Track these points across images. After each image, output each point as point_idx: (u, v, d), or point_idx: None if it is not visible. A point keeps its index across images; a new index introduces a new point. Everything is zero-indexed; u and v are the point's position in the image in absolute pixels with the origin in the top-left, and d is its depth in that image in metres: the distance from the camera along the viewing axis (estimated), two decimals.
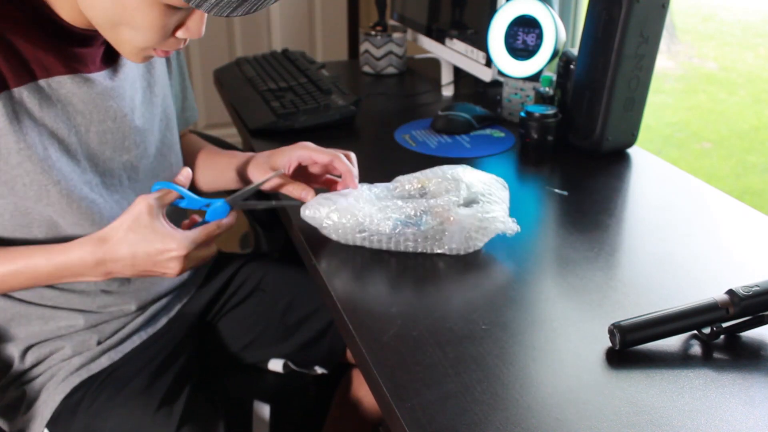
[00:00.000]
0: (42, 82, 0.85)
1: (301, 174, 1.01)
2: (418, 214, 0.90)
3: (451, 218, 0.89)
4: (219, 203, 0.89)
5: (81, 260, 0.86)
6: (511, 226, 0.91)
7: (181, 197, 0.88)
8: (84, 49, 0.88)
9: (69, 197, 0.88)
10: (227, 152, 1.13)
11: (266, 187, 0.98)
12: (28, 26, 0.83)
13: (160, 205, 0.85)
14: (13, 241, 0.89)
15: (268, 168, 1.00)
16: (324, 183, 1.02)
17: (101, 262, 0.85)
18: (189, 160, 1.14)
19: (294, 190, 0.96)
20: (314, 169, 1.01)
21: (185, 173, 0.91)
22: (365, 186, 0.96)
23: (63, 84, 0.87)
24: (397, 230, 0.90)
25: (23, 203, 0.87)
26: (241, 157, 1.08)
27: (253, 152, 1.07)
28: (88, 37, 0.88)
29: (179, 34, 0.83)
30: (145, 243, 0.84)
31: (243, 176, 1.06)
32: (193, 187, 1.14)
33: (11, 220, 0.88)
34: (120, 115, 0.94)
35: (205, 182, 1.14)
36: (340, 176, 0.97)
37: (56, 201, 0.88)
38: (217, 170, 1.12)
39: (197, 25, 0.82)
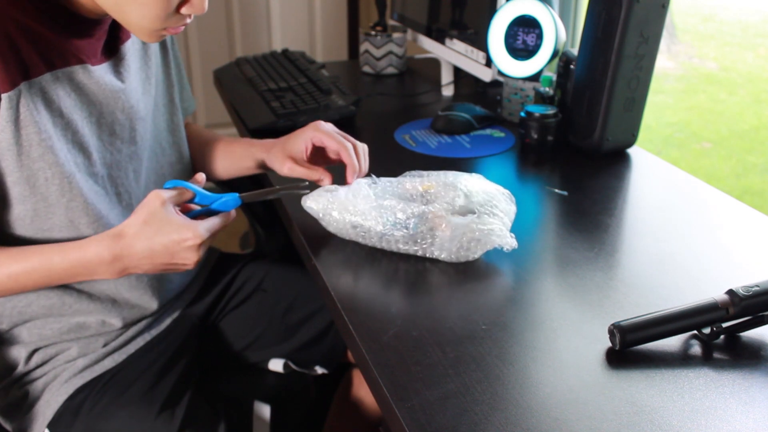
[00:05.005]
0: (60, 72, 0.85)
1: (318, 153, 1.01)
2: (408, 217, 0.90)
3: (443, 225, 0.89)
4: (232, 197, 0.89)
5: (97, 256, 0.84)
6: (509, 242, 0.88)
7: (194, 195, 0.88)
8: (84, 41, 0.88)
9: (82, 192, 0.88)
10: (243, 140, 1.13)
11: (284, 172, 0.99)
12: (43, 15, 0.83)
13: (174, 201, 0.85)
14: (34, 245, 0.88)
15: (286, 157, 1.00)
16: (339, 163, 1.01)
17: (118, 257, 0.84)
18: (203, 148, 1.14)
19: (311, 173, 0.97)
20: (329, 152, 1.01)
21: (200, 178, 0.91)
22: (364, 181, 0.96)
23: (77, 74, 0.87)
24: (387, 230, 0.90)
25: (44, 204, 0.87)
26: (258, 146, 1.07)
27: (268, 139, 1.07)
28: (92, 26, 0.88)
29: (183, 10, 0.84)
30: (162, 234, 0.83)
31: (262, 166, 1.07)
32: (211, 175, 1.15)
33: (32, 225, 0.88)
34: (128, 106, 0.95)
35: (224, 168, 1.14)
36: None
37: (77, 196, 0.88)
38: (233, 158, 1.12)
39: (200, 0, 0.84)
